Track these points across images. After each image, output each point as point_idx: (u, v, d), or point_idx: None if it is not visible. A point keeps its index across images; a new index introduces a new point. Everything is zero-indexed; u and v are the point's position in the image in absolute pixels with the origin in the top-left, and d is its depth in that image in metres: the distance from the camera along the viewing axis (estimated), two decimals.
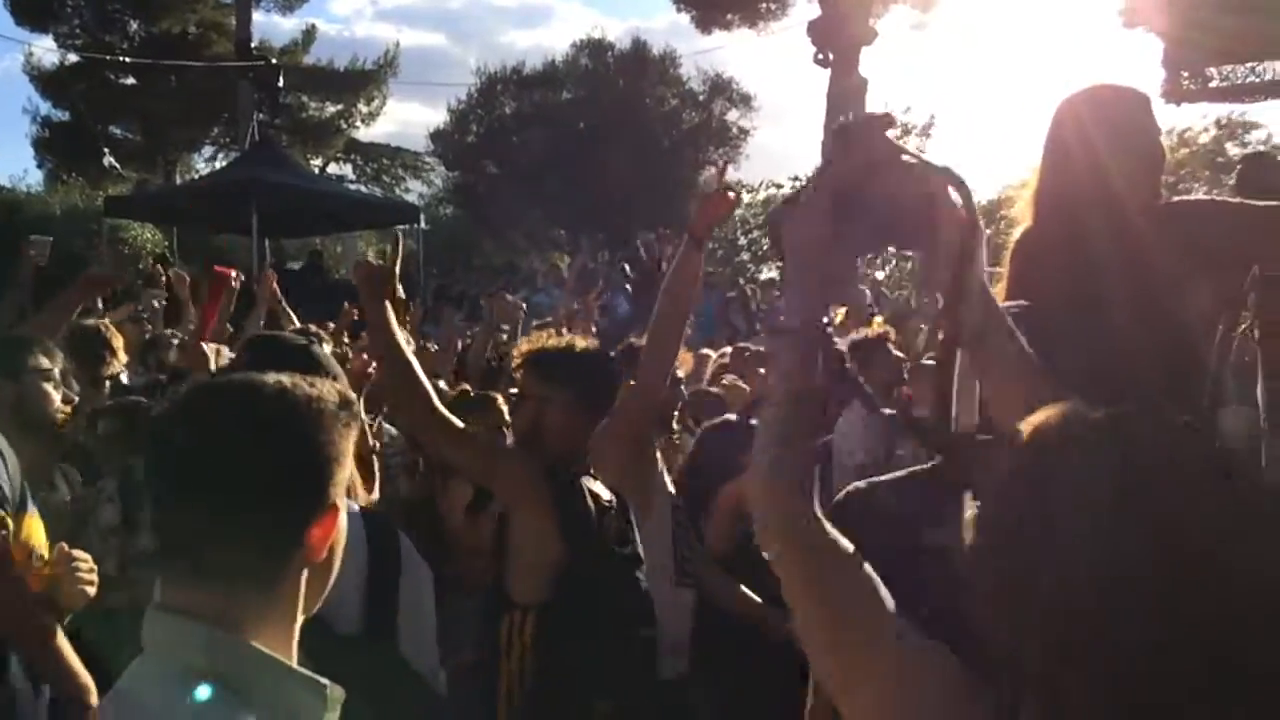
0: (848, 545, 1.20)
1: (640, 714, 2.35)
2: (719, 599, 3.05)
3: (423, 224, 18.83)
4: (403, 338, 2.42)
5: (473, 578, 3.04)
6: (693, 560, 2.96)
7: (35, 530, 2.34)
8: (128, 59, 24.60)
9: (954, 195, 1.30)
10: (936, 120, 28.36)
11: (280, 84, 20.69)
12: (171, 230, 18.86)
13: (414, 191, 32.39)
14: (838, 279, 1.33)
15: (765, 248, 30.01)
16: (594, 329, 8.56)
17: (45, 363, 2.78)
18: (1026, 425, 1.02)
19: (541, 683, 2.25)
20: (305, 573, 1.22)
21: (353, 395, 1.30)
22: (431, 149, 29.58)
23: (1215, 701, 0.87)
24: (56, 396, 2.79)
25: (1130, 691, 0.88)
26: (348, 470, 1.26)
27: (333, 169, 30.32)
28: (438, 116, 52.55)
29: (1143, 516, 0.90)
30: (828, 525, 1.22)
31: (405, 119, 72.27)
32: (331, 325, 6.35)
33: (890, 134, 1.35)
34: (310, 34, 28.59)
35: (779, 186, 29.08)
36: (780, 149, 54.98)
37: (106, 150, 22.05)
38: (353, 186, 28.72)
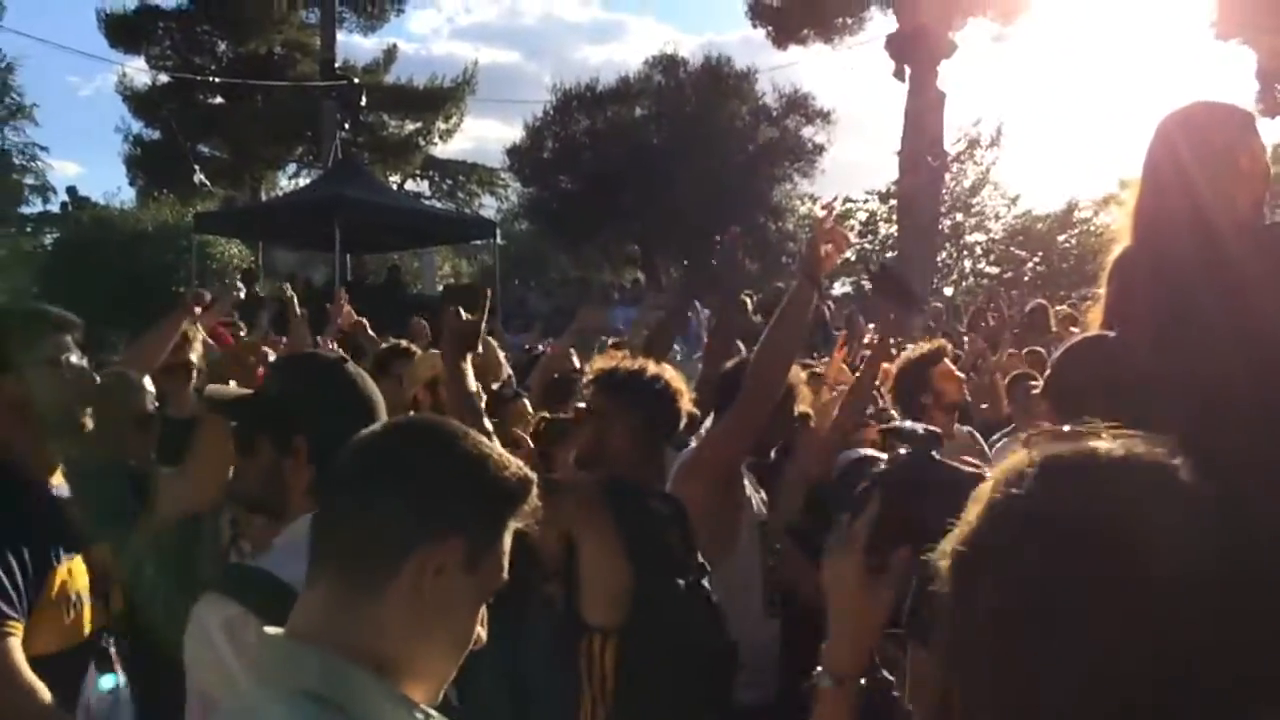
0: None
1: None
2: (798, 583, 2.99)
3: (498, 239, 19.04)
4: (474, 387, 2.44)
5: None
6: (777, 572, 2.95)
7: (76, 576, 2.27)
8: (216, 79, 25.36)
9: None
10: (1005, 131, 27.93)
11: (363, 103, 21.20)
12: (257, 246, 19.37)
13: (488, 207, 32.86)
14: (876, 619, 1.35)
15: (840, 262, 29.76)
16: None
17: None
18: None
19: (625, 708, 2.26)
20: (422, 606, 1.20)
21: (531, 489, 1.30)
22: (507, 164, 29.99)
23: None
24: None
25: None
26: (496, 550, 1.27)
27: (410, 185, 30.90)
28: (513, 132, 53.18)
29: None
30: None
31: (481, 135, 73.48)
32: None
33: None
34: (391, 53, 29.26)
35: (853, 201, 28.87)
36: (855, 162, 54.53)
37: (197, 168, 22.73)
38: (428, 202, 29.21)
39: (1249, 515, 0.91)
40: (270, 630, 1.24)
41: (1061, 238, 26.45)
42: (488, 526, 1.24)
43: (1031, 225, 27.54)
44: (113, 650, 2.39)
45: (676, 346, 7.27)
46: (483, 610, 1.27)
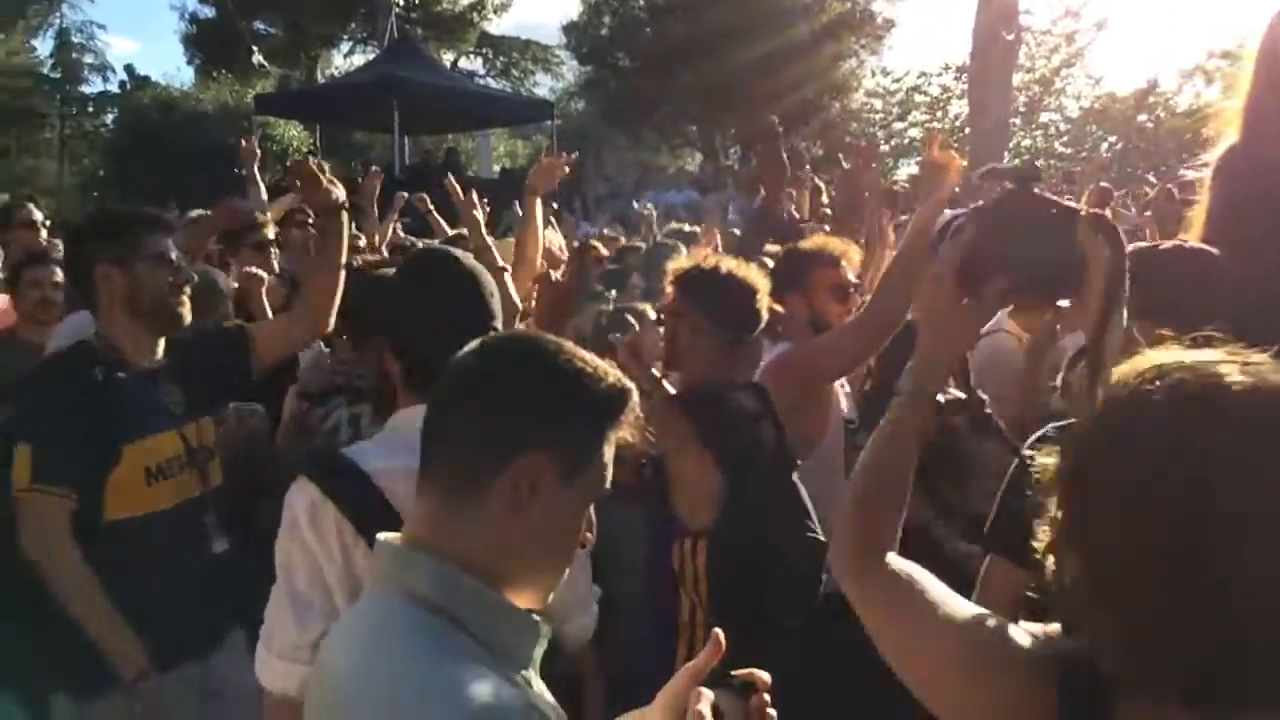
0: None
1: (824, 625, 2.37)
2: None
3: (555, 120, 18.78)
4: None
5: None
6: None
7: (161, 449, 2.49)
8: None
9: (1105, 241, 1.29)
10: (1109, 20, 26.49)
11: None
12: (315, 128, 19.35)
13: (543, 85, 32.36)
14: (963, 344, 1.40)
15: (908, 141, 28.98)
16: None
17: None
18: None
19: (719, 608, 2.29)
20: (521, 518, 1.22)
21: (630, 399, 1.30)
22: (563, 42, 29.35)
23: None
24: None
25: None
26: (596, 461, 1.27)
27: (463, 63, 30.46)
28: (567, 7, 51.85)
29: None
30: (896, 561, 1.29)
31: (534, 9, 71.55)
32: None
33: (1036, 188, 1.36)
34: None
35: (926, 74, 27.89)
36: (925, 35, 52.43)
37: (254, 49, 22.57)
38: (481, 81, 28.81)
39: None
40: (385, 536, 1.28)
41: (1142, 117, 25.38)
42: (584, 438, 1.25)
43: (1110, 105, 26.41)
44: (208, 520, 2.60)
45: None
46: (589, 515, 1.30)
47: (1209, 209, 2.34)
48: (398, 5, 20.81)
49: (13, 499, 2.33)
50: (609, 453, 1.28)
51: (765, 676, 1.22)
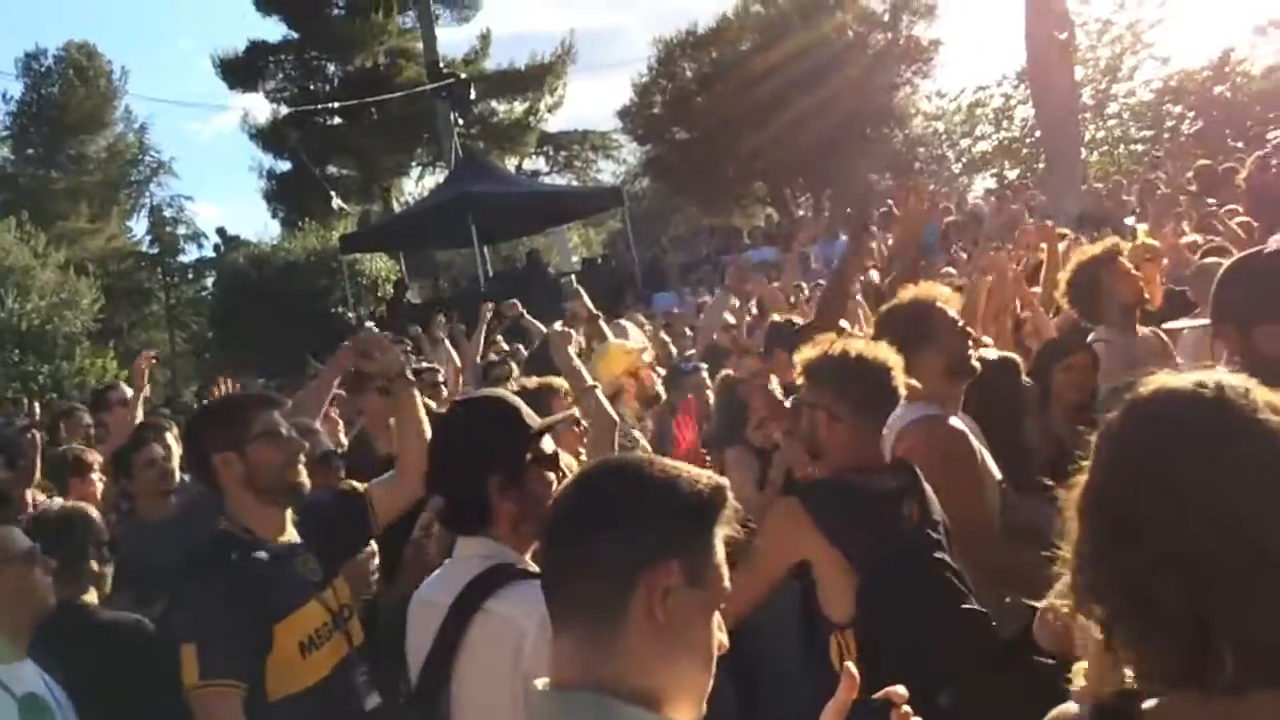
0: None
1: (983, 692, 2.29)
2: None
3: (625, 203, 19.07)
4: None
5: None
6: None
7: (308, 621, 2.51)
8: (334, 103, 26.16)
9: None
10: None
11: (471, 95, 21.53)
12: (399, 255, 20.02)
13: (606, 171, 32.95)
14: None
15: (976, 155, 28.56)
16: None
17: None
18: None
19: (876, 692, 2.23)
20: (661, 629, 1.25)
21: (723, 495, 1.34)
22: (620, 127, 29.94)
23: None
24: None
25: None
26: (712, 560, 1.31)
27: (527, 164, 31.28)
28: (619, 93, 53.02)
29: None
30: None
31: (586, 101, 73.36)
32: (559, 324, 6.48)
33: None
34: (486, 39, 29.56)
35: (984, 88, 27.60)
36: (975, 48, 51.96)
37: (333, 193, 23.60)
38: (546, 178, 29.48)
39: None
40: (538, 683, 1.30)
41: (1219, 89, 24.55)
42: (696, 541, 1.30)
43: (1184, 82, 25.64)
44: (359, 678, 2.62)
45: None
46: (718, 617, 1.32)
47: None
48: (458, 125, 21.52)
49: (185, 701, 2.37)
50: (721, 550, 1.32)
51: (901, 691, 1.29)
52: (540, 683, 1.30)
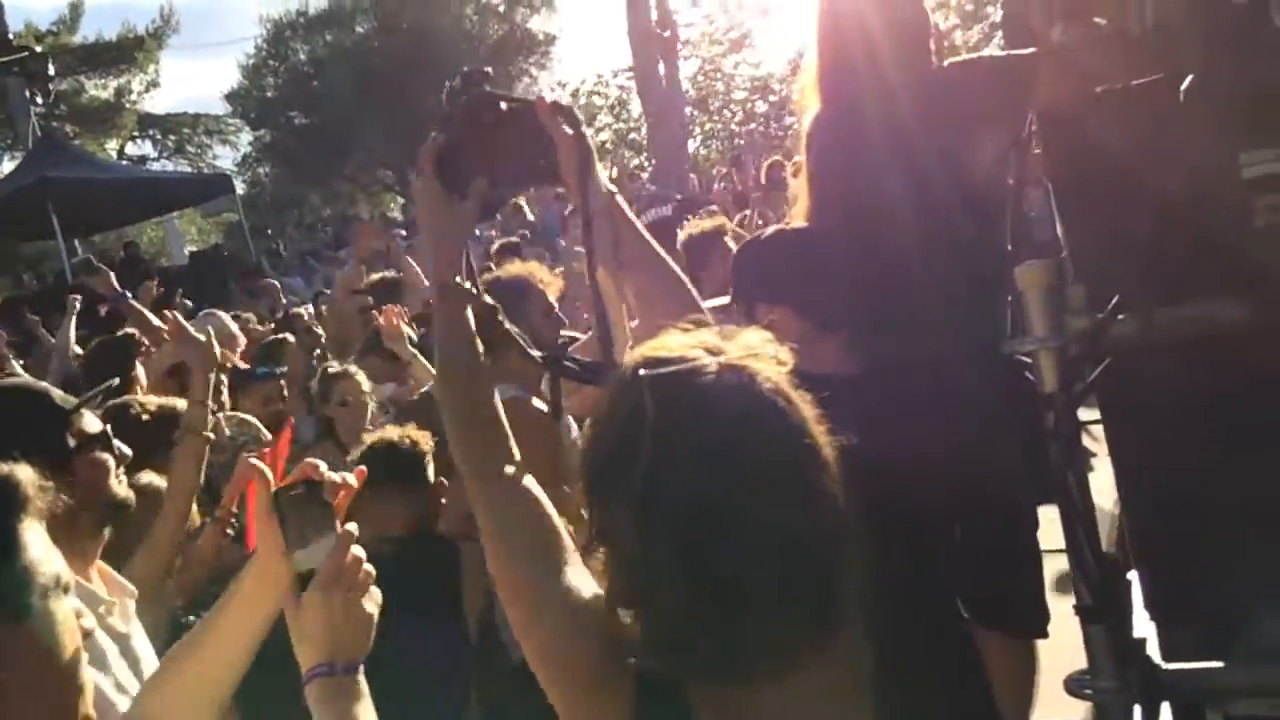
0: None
1: None
2: None
3: (239, 190, 17.98)
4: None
5: None
6: None
7: None
8: None
9: (564, 124, 1.41)
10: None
11: (51, 71, 19.26)
12: None
13: (225, 157, 30.85)
14: (461, 236, 1.45)
15: (597, 145, 29.72)
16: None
17: None
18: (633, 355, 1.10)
19: None
20: None
21: None
22: (230, 110, 28.13)
23: None
24: None
25: None
26: None
27: (131, 149, 28.58)
28: (231, 74, 49.72)
29: None
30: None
31: (198, 81, 67.95)
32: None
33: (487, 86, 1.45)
34: (78, 9, 26.53)
35: (601, 79, 28.77)
36: (591, 43, 54.13)
37: None
38: (155, 164, 27.15)
39: None
40: None
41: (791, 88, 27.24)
42: None
43: (769, 81, 28.25)
44: None
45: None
46: None
47: (808, 173, 2.58)
48: (35, 105, 19.20)
49: None
50: None
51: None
52: None
